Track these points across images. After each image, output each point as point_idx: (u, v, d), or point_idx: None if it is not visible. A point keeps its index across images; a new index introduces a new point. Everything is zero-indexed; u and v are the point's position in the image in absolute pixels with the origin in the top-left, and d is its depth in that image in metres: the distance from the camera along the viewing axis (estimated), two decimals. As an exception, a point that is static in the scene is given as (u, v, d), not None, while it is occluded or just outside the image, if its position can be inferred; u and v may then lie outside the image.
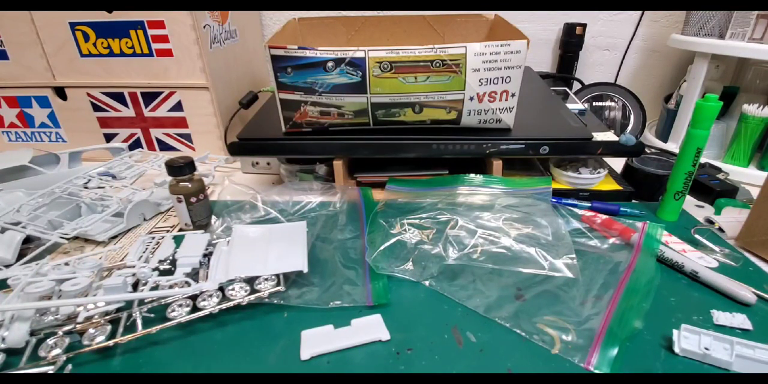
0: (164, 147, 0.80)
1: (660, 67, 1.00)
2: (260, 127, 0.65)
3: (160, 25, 0.68)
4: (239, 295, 0.41)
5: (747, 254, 0.50)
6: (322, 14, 0.95)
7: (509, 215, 0.50)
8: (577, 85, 0.95)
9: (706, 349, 0.35)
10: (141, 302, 0.41)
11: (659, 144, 0.84)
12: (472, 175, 0.59)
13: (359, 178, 0.65)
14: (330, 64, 0.53)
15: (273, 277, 0.43)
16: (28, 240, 0.52)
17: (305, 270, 0.43)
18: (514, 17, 0.94)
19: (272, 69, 0.54)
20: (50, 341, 0.36)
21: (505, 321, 0.40)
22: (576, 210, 0.56)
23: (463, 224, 0.49)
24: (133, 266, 0.44)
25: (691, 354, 0.36)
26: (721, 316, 0.40)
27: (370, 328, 0.39)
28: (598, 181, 0.62)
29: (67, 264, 0.45)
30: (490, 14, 0.74)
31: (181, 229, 0.55)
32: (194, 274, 0.44)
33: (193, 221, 0.54)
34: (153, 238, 0.51)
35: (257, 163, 0.70)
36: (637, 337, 0.38)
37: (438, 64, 0.53)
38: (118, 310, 0.40)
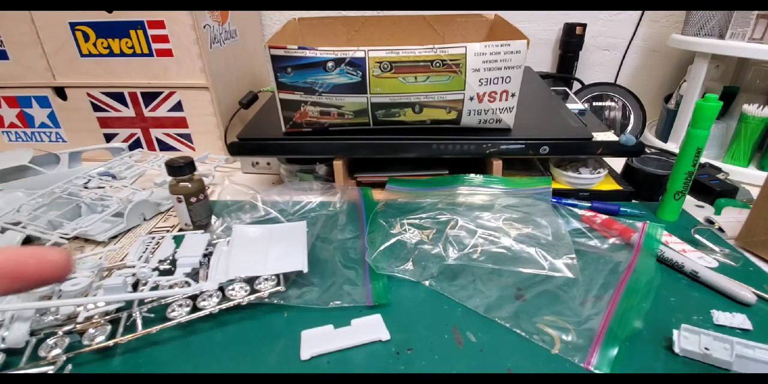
0: (164, 147, 0.80)
1: (660, 67, 1.00)
2: (260, 127, 0.65)
3: (160, 25, 0.68)
4: (239, 295, 0.41)
5: (747, 254, 0.50)
6: (322, 14, 0.95)
7: (509, 215, 0.50)
8: (577, 85, 0.95)
9: (706, 349, 0.35)
10: (141, 302, 0.41)
11: (659, 144, 0.84)
12: (472, 175, 0.59)
13: (359, 178, 0.65)
14: (330, 64, 0.53)
15: (273, 277, 0.43)
16: (28, 240, 0.52)
17: (305, 270, 0.43)
18: (514, 17, 0.94)
19: (272, 69, 0.54)
20: (50, 341, 0.36)
21: (505, 321, 0.40)
22: (576, 210, 0.56)
23: (463, 224, 0.49)
24: (133, 266, 0.44)
25: (691, 354, 0.36)
26: (721, 316, 0.40)
27: (370, 328, 0.39)
28: (598, 181, 0.62)
29: (67, 264, 0.45)
30: (490, 14, 0.74)
31: (181, 229, 0.55)
32: (194, 274, 0.44)
33: (193, 221, 0.54)
34: (153, 238, 0.51)
35: (257, 163, 0.70)
36: (637, 337, 0.38)
37: (438, 64, 0.53)
38: (118, 310, 0.40)
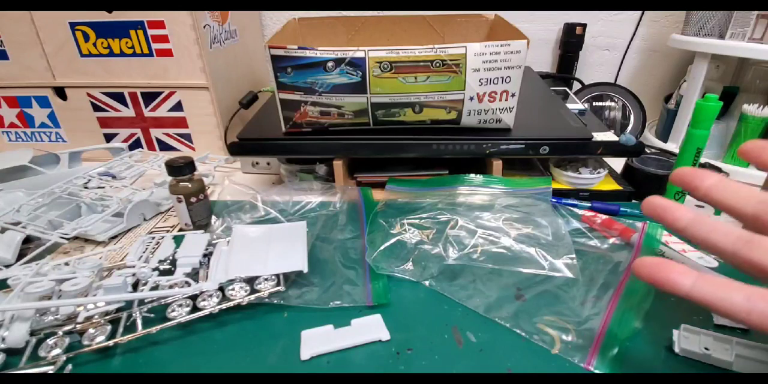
0: (164, 147, 0.80)
1: (660, 67, 1.00)
2: (260, 127, 0.65)
3: (160, 25, 0.68)
4: (239, 295, 0.41)
5: (747, 254, 0.50)
6: (322, 14, 0.95)
7: (509, 215, 0.50)
8: (577, 85, 0.95)
9: (706, 349, 0.35)
10: (141, 302, 0.41)
11: (659, 144, 0.84)
12: (472, 175, 0.59)
13: (359, 178, 0.65)
14: (330, 64, 0.53)
15: (273, 277, 0.43)
16: (28, 240, 0.52)
17: (305, 270, 0.43)
18: (514, 17, 0.94)
19: (272, 69, 0.54)
20: (50, 341, 0.36)
21: (505, 321, 0.40)
22: (576, 210, 0.56)
23: (463, 224, 0.49)
24: (133, 266, 0.44)
25: (691, 354, 0.36)
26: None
27: (370, 328, 0.39)
28: (598, 181, 0.62)
29: (67, 264, 0.45)
30: (490, 14, 0.74)
31: (181, 229, 0.55)
32: (194, 274, 0.44)
33: (193, 221, 0.54)
34: (153, 238, 0.51)
35: (257, 163, 0.70)
36: (637, 337, 0.38)
37: (438, 64, 0.53)
38: (118, 310, 0.40)
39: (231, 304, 0.40)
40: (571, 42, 0.94)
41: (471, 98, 0.56)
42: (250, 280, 0.42)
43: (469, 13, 0.74)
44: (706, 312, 0.41)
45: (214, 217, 0.56)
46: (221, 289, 0.42)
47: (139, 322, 0.39)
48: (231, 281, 0.42)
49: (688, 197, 0.61)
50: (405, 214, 0.53)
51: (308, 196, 0.60)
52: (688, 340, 0.36)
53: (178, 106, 0.75)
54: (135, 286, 0.43)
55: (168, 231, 0.56)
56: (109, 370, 0.36)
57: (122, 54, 0.71)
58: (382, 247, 0.48)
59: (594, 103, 0.90)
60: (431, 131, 0.60)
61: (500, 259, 0.44)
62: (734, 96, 0.78)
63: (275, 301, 0.42)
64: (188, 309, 0.40)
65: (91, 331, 0.38)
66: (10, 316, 0.37)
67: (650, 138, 0.87)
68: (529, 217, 0.50)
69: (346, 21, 0.74)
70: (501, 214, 0.50)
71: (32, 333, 0.37)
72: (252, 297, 0.40)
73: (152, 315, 0.40)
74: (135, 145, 0.79)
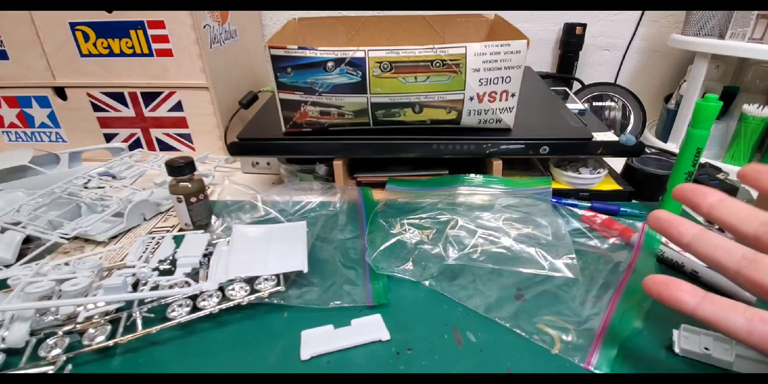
0: (164, 147, 0.80)
1: (660, 67, 1.00)
2: (260, 127, 0.65)
3: (160, 25, 0.68)
4: (239, 295, 0.41)
5: (747, 254, 0.50)
6: (322, 14, 0.95)
7: (509, 215, 0.50)
8: (577, 85, 0.95)
9: (706, 349, 0.35)
10: (141, 302, 0.41)
11: (659, 144, 0.84)
12: (472, 175, 0.59)
13: (359, 178, 0.65)
14: (330, 64, 0.53)
15: (273, 277, 0.43)
16: (28, 240, 0.52)
17: (305, 270, 0.43)
18: (514, 17, 0.94)
19: (272, 69, 0.54)
20: (50, 341, 0.36)
21: (505, 321, 0.40)
22: (576, 210, 0.56)
23: (463, 224, 0.49)
24: (133, 266, 0.44)
25: (691, 354, 0.36)
26: (721, 316, 0.40)
27: (370, 328, 0.39)
28: (598, 181, 0.62)
29: (67, 264, 0.45)
30: (490, 14, 0.74)
31: (181, 229, 0.55)
32: (194, 274, 0.44)
33: (193, 221, 0.54)
34: (153, 238, 0.51)
35: (257, 163, 0.70)
36: (637, 337, 0.38)
37: (438, 64, 0.53)
38: (118, 310, 0.40)
39: (231, 304, 0.40)
40: (571, 42, 0.94)
41: (471, 98, 0.56)
42: (250, 280, 0.42)
43: (469, 13, 0.74)
44: (706, 312, 0.41)
45: (214, 217, 0.56)
46: (221, 289, 0.42)
47: (139, 322, 0.39)
48: (231, 281, 0.42)
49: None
50: (405, 214, 0.53)
51: (308, 196, 0.60)
52: (688, 340, 0.36)
53: (178, 106, 0.75)
54: (135, 286, 0.43)
55: (168, 231, 0.56)
56: (109, 370, 0.36)
57: (122, 54, 0.71)
58: (382, 247, 0.48)
59: (594, 103, 0.90)
60: (431, 131, 0.60)
61: (500, 259, 0.44)
62: (734, 96, 0.78)
63: (275, 301, 0.42)
64: (188, 309, 0.40)
65: (91, 331, 0.38)
66: (10, 316, 0.37)
67: (650, 138, 0.87)
68: (529, 217, 0.50)
69: (346, 21, 0.74)
70: (501, 214, 0.50)
71: (32, 333, 0.37)
72: (252, 297, 0.40)
73: (152, 315, 0.40)
74: (135, 145, 0.79)
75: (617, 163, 0.68)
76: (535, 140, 0.59)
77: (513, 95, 0.57)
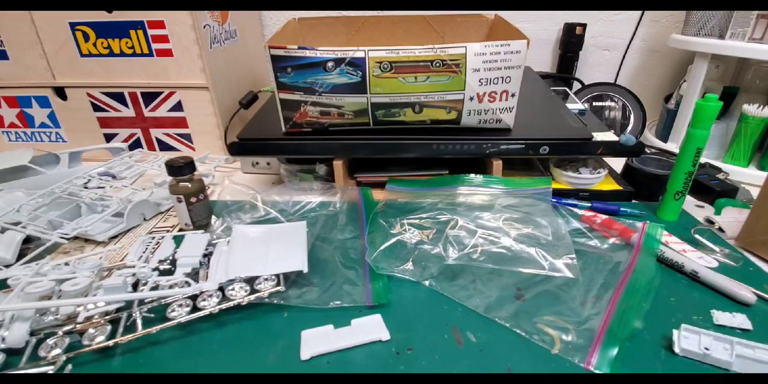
0: (164, 147, 0.80)
1: (660, 67, 1.00)
2: (260, 127, 0.65)
3: (160, 25, 0.68)
4: (239, 295, 0.41)
5: (747, 254, 0.50)
6: (322, 14, 0.95)
7: (509, 215, 0.50)
8: (577, 85, 0.95)
9: (706, 349, 0.35)
10: (141, 302, 0.41)
11: (659, 144, 0.84)
12: (472, 175, 0.59)
13: (359, 178, 0.65)
14: (330, 64, 0.53)
15: (273, 277, 0.43)
16: (28, 240, 0.52)
17: (305, 270, 0.43)
18: (514, 17, 0.94)
19: (272, 69, 0.54)
20: (50, 341, 0.36)
21: (505, 321, 0.40)
22: (576, 210, 0.56)
23: (463, 224, 0.49)
24: (133, 266, 0.44)
25: (691, 354, 0.36)
26: (721, 316, 0.40)
27: (370, 328, 0.39)
28: (598, 181, 0.62)
29: (67, 264, 0.45)
30: (490, 14, 0.74)
31: (181, 229, 0.55)
32: (194, 274, 0.44)
33: (193, 221, 0.54)
34: (153, 238, 0.51)
35: (257, 163, 0.70)
36: (637, 337, 0.38)
37: (438, 64, 0.53)
38: (118, 310, 0.40)
39: (231, 304, 0.40)
40: (571, 42, 0.94)
41: (471, 98, 0.56)
42: (250, 280, 0.42)
43: (469, 13, 0.74)
44: (706, 312, 0.41)
45: (214, 217, 0.56)
46: (221, 289, 0.42)
47: (139, 322, 0.39)
48: (231, 281, 0.42)
49: (688, 197, 0.61)
50: (405, 214, 0.53)
51: (308, 196, 0.60)
52: (688, 340, 0.36)
53: (178, 106, 0.75)
54: (135, 286, 0.43)
55: (168, 231, 0.56)
56: (109, 370, 0.36)
57: (122, 54, 0.71)
58: (382, 247, 0.48)
59: (594, 103, 0.90)
60: (431, 131, 0.60)
61: (500, 259, 0.44)
62: (734, 96, 0.78)
63: (275, 301, 0.42)
64: (188, 309, 0.40)
65: (91, 331, 0.38)
66: (10, 316, 0.37)
67: (650, 138, 0.87)
68: (529, 217, 0.50)
69: (346, 21, 0.74)
70: (501, 214, 0.50)
71: (32, 333, 0.37)
72: (252, 297, 0.40)
73: (152, 315, 0.40)
74: (135, 145, 0.79)
75: (617, 163, 0.68)
76: (535, 140, 0.59)
77: (513, 95, 0.57)
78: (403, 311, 0.41)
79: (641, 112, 0.88)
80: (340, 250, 0.50)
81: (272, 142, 0.61)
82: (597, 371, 0.35)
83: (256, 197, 0.59)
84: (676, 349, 0.36)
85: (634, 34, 0.96)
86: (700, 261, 0.47)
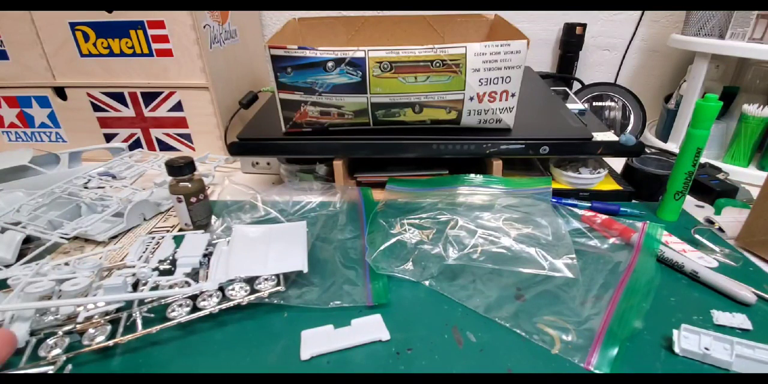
0: (164, 147, 0.80)
1: (660, 67, 1.00)
2: (260, 127, 0.65)
3: (160, 25, 0.68)
4: (239, 295, 0.41)
5: (747, 254, 0.50)
6: (322, 14, 0.95)
7: (509, 215, 0.50)
8: (577, 85, 0.95)
9: (706, 349, 0.35)
10: (141, 302, 0.41)
11: (659, 144, 0.84)
12: (472, 175, 0.59)
13: (359, 178, 0.65)
14: (330, 64, 0.53)
15: (273, 277, 0.43)
16: (28, 240, 0.52)
17: (305, 270, 0.43)
18: (514, 17, 0.94)
19: (272, 69, 0.54)
20: (50, 341, 0.36)
21: (505, 321, 0.40)
22: (576, 210, 0.56)
23: (463, 224, 0.49)
24: (133, 266, 0.44)
25: (691, 354, 0.36)
26: (721, 316, 0.40)
27: (370, 328, 0.39)
28: (598, 181, 0.62)
29: (67, 264, 0.45)
30: (490, 14, 0.74)
31: (181, 229, 0.55)
32: (194, 274, 0.44)
33: (193, 221, 0.54)
34: (153, 238, 0.51)
35: (257, 163, 0.70)
36: (637, 337, 0.38)
37: (438, 64, 0.53)
38: (118, 310, 0.40)
39: (231, 304, 0.40)
40: (571, 42, 0.94)
41: (471, 98, 0.56)
42: (250, 280, 0.42)
43: (469, 13, 0.74)
44: (706, 312, 0.41)
45: (214, 217, 0.56)
46: (221, 289, 0.42)
47: (139, 322, 0.39)
48: (231, 281, 0.42)
49: (688, 197, 0.61)
50: (405, 214, 0.53)
51: (308, 196, 0.60)
52: (688, 340, 0.36)
53: (178, 106, 0.75)
54: (135, 286, 0.43)
55: (168, 231, 0.56)
56: (109, 370, 0.36)
57: (122, 54, 0.71)
58: (382, 247, 0.48)
59: (594, 103, 0.90)
60: (431, 131, 0.60)
61: (500, 259, 0.44)
62: (734, 96, 0.78)
63: (275, 301, 0.42)
64: (188, 309, 0.40)
65: (91, 331, 0.38)
66: (10, 316, 0.37)
67: (650, 138, 0.87)
68: (529, 217, 0.50)
69: (346, 21, 0.74)
70: (501, 214, 0.50)
71: (32, 333, 0.37)
72: (252, 297, 0.40)
73: (152, 315, 0.40)
74: (135, 145, 0.79)
75: (617, 163, 0.68)
76: (535, 140, 0.59)
77: (513, 95, 0.57)
78: (403, 311, 0.41)
79: (641, 112, 0.88)
80: (340, 250, 0.50)
81: (272, 142, 0.61)
82: (597, 371, 0.35)
83: (256, 197, 0.59)
84: (676, 349, 0.36)
85: (634, 34, 0.96)
86: (700, 261, 0.47)
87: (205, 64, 0.71)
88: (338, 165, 0.60)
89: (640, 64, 1.00)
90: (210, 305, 0.40)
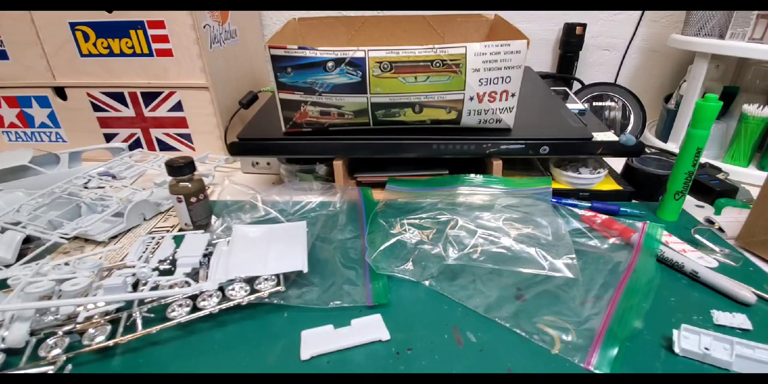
0: (164, 147, 0.80)
1: (660, 67, 1.00)
2: (260, 127, 0.65)
3: (160, 25, 0.68)
4: (239, 295, 0.41)
5: (747, 254, 0.50)
6: (322, 14, 0.95)
7: (509, 215, 0.50)
8: (577, 85, 0.95)
9: (706, 349, 0.35)
10: (141, 302, 0.41)
11: (659, 144, 0.84)
12: (472, 175, 0.59)
13: (359, 178, 0.65)
14: (330, 64, 0.53)
15: (273, 277, 0.43)
16: (28, 240, 0.52)
17: (305, 270, 0.43)
18: (514, 17, 0.94)
19: (272, 69, 0.54)
20: (50, 341, 0.36)
21: (505, 321, 0.40)
22: (576, 210, 0.56)
23: (463, 224, 0.49)
24: (133, 266, 0.44)
25: (691, 354, 0.36)
26: (721, 316, 0.40)
27: (370, 328, 0.39)
28: (598, 181, 0.62)
29: (67, 264, 0.45)
30: (490, 14, 0.74)
31: (181, 229, 0.55)
32: (194, 274, 0.44)
33: (193, 221, 0.54)
34: (153, 238, 0.51)
35: (257, 163, 0.70)
36: (637, 337, 0.38)
37: (438, 64, 0.53)
38: (118, 310, 0.40)
39: (231, 304, 0.40)
40: (571, 42, 0.94)
41: (471, 98, 0.56)
42: (250, 280, 0.42)
43: (469, 13, 0.74)
44: (706, 312, 0.41)
45: (214, 217, 0.56)
46: (221, 289, 0.42)
47: (139, 322, 0.39)
48: (231, 281, 0.42)
49: (688, 197, 0.61)
50: (405, 214, 0.53)
51: (308, 196, 0.60)
52: (688, 340, 0.36)
53: (178, 106, 0.75)
54: (135, 286, 0.43)
55: (168, 231, 0.56)
56: (109, 370, 0.36)
57: (122, 54, 0.71)
58: (382, 247, 0.48)
59: (594, 103, 0.90)
60: (431, 131, 0.60)
61: (500, 259, 0.44)
62: (734, 96, 0.78)
63: (275, 301, 0.42)
64: (188, 309, 0.40)
65: (91, 331, 0.38)
66: (10, 316, 0.37)
67: (650, 138, 0.87)
68: (529, 217, 0.50)
69: (346, 21, 0.74)
70: (501, 214, 0.50)
71: (32, 333, 0.37)
72: (252, 297, 0.40)
73: (152, 315, 0.40)
74: (135, 145, 0.79)
75: (617, 163, 0.68)
76: (535, 140, 0.59)
77: (513, 95, 0.57)
78: (403, 311, 0.41)
79: (641, 112, 0.88)
80: (340, 250, 0.50)
81: (272, 142, 0.61)
82: (597, 371, 0.35)
83: (256, 197, 0.59)
84: (676, 349, 0.36)
85: (634, 34, 0.96)
86: (700, 261, 0.47)
87: (205, 64, 0.71)
88: (338, 165, 0.60)
89: (640, 64, 1.00)
90: (210, 305, 0.40)
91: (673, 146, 0.81)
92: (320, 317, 0.40)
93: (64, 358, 0.35)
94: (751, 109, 0.68)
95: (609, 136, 0.61)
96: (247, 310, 0.42)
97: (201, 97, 0.74)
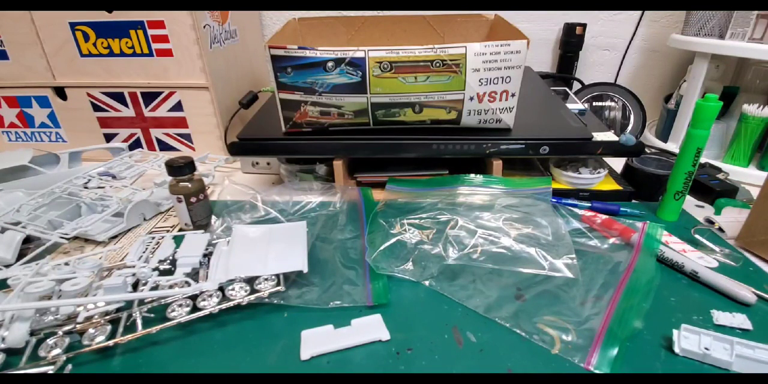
0: (164, 147, 0.80)
1: (660, 67, 1.00)
2: (260, 127, 0.65)
3: (160, 25, 0.68)
4: (239, 295, 0.41)
5: (747, 254, 0.50)
6: (322, 14, 0.95)
7: (509, 215, 0.50)
8: (577, 85, 0.95)
9: (706, 349, 0.35)
10: (141, 302, 0.41)
11: (659, 144, 0.84)
12: (472, 175, 0.59)
13: (359, 178, 0.65)
14: (330, 64, 0.53)
15: (273, 277, 0.43)
16: (28, 240, 0.52)
17: (305, 270, 0.43)
18: (514, 17, 0.94)
19: (272, 69, 0.54)
20: (50, 341, 0.36)
21: (505, 321, 0.40)
22: (576, 210, 0.56)
23: (463, 224, 0.49)
24: (133, 266, 0.44)
25: (691, 354, 0.36)
26: (721, 316, 0.40)
27: (370, 328, 0.39)
28: (598, 181, 0.62)
29: (67, 264, 0.45)
30: (490, 14, 0.74)
31: (181, 229, 0.55)
32: (194, 274, 0.44)
33: (193, 221, 0.54)
34: (153, 238, 0.51)
35: (257, 163, 0.70)
36: (637, 337, 0.38)
37: (438, 64, 0.53)
38: (118, 310, 0.40)
39: (231, 304, 0.40)
40: (571, 42, 0.94)
41: (471, 98, 0.56)
42: (250, 280, 0.42)
43: (469, 13, 0.74)
44: (706, 312, 0.41)
45: (214, 217, 0.56)
46: (221, 289, 0.42)
47: (139, 322, 0.39)
48: (231, 281, 0.42)
49: (688, 197, 0.61)
50: (405, 214, 0.53)
51: (308, 196, 0.60)
52: (688, 340, 0.36)
53: (178, 106, 0.75)
54: (135, 286, 0.43)
55: (168, 231, 0.56)
56: (109, 370, 0.36)
57: (122, 54, 0.71)
58: (382, 247, 0.48)
59: (594, 103, 0.90)
60: (431, 131, 0.60)
61: (500, 259, 0.44)
62: (734, 96, 0.78)
63: (275, 301, 0.42)
64: (188, 309, 0.40)
65: (91, 331, 0.38)
66: (10, 316, 0.37)
67: (650, 138, 0.87)
68: (529, 217, 0.50)
69: (346, 21, 0.74)
70: (501, 214, 0.50)
71: (32, 333, 0.37)
72: (252, 297, 0.40)
73: (152, 315, 0.40)
74: (135, 145, 0.79)
75: (617, 163, 0.68)
76: (535, 140, 0.59)
77: (513, 95, 0.57)
78: (403, 311, 0.41)
79: (641, 112, 0.88)
80: (340, 250, 0.50)
81: (272, 142, 0.61)
82: (597, 371, 0.35)
83: (256, 197, 0.59)
84: (676, 349, 0.36)
85: (634, 34, 0.96)
86: (700, 261, 0.47)
87: (205, 64, 0.71)
88: (338, 165, 0.60)
89: (640, 64, 1.00)
90: (210, 305, 0.40)
91: (673, 146, 0.81)
92: (320, 317, 0.40)
93: (64, 358, 0.35)
94: (751, 109, 0.68)
95: (609, 136, 0.61)
96: (247, 310, 0.42)
97: (201, 97, 0.74)
